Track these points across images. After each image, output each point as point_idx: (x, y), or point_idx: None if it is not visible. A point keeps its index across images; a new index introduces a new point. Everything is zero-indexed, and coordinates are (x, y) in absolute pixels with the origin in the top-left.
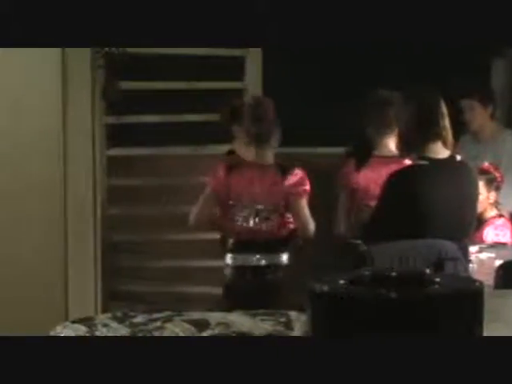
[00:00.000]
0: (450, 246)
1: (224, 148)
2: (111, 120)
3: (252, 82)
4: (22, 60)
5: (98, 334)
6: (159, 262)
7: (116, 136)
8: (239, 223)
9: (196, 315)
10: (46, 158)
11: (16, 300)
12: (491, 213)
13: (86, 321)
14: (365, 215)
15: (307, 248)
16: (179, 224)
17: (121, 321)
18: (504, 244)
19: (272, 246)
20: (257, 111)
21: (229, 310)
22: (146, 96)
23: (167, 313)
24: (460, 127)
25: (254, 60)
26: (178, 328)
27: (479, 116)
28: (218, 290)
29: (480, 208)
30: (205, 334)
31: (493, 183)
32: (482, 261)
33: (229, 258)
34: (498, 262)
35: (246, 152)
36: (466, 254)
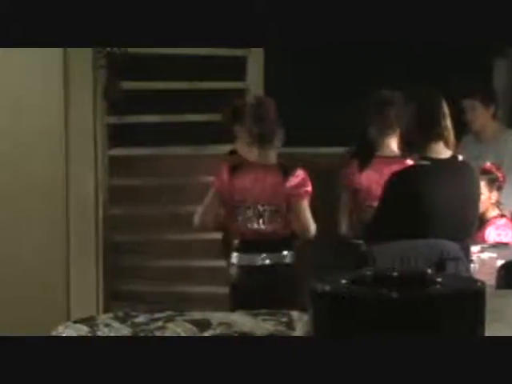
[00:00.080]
0: (451, 246)
1: (225, 148)
2: (113, 120)
3: (254, 82)
4: (23, 60)
5: (99, 333)
6: (161, 262)
7: (118, 136)
8: (243, 223)
9: (198, 315)
10: (47, 158)
11: (18, 300)
12: (493, 213)
13: (88, 321)
14: (367, 216)
15: (309, 248)
16: (181, 224)
17: (122, 321)
18: (506, 244)
19: (276, 245)
20: (259, 111)
21: (235, 308)
22: (147, 96)
23: (169, 313)
24: (462, 127)
25: (255, 60)
26: (179, 328)
27: (481, 116)
28: (219, 290)
29: (482, 208)
30: (206, 333)
31: (494, 183)
32: (483, 261)
33: (234, 258)
34: (500, 262)
35: (248, 152)
36: (467, 254)
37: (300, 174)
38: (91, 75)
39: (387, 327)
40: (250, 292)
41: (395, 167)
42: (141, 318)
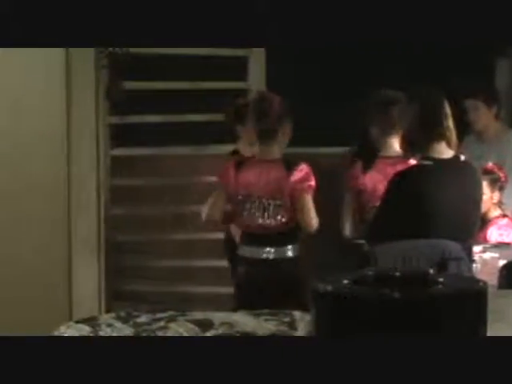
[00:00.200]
0: (453, 246)
1: (227, 148)
2: (115, 120)
3: (255, 81)
4: (25, 60)
5: (101, 333)
6: (162, 262)
7: (119, 136)
8: (248, 217)
9: (200, 315)
10: (49, 158)
11: (20, 300)
12: (495, 213)
13: (90, 321)
14: (371, 216)
15: (310, 248)
16: (183, 224)
17: (125, 321)
18: (508, 244)
19: (281, 239)
20: (261, 107)
21: (240, 304)
22: (149, 96)
23: (171, 313)
24: (464, 127)
25: (257, 60)
26: (181, 328)
27: (484, 116)
28: (222, 290)
29: (484, 208)
30: (208, 334)
31: (497, 183)
32: (485, 261)
33: (240, 251)
34: (502, 262)
35: (250, 152)
36: (469, 254)
37: (304, 169)
38: (93, 75)
39: (389, 327)
40: (255, 285)
41: (399, 167)
42: (143, 318)
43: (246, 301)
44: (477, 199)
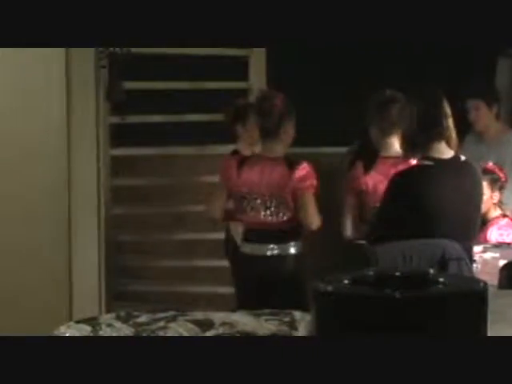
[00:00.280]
0: (454, 246)
1: (227, 148)
2: (115, 120)
3: (256, 81)
4: (26, 60)
5: (102, 333)
6: (163, 262)
7: (120, 136)
8: (251, 215)
9: (200, 315)
10: (50, 158)
11: (20, 300)
12: (495, 213)
13: (90, 321)
14: (372, 216)
15: (310, 248)
16: (183, 224)
17: (125, 321)
18: (508, 244)
19: (283, 236)
20: (263, 105)
21: (241, 301)
22: (149, 96)
23: (171, 313)
24: (464, 127)
25: (257, 60)
26: (181, 328)
27: (484, 116)
28: (222, 290)
29: (484, 208)
30: (209, 333)
31: (497, 183)
32: (485, 261)
33: (242, 248)
34: (502, 262)
35: (250, 152)
36: (470, 254)
37: (305, 167)
38: (93, 75)
39: (389, 327)
40: (256, 282)
41: (399, 168)
42: (143, 318)
43: (246, 298)
44: (477, 199)
